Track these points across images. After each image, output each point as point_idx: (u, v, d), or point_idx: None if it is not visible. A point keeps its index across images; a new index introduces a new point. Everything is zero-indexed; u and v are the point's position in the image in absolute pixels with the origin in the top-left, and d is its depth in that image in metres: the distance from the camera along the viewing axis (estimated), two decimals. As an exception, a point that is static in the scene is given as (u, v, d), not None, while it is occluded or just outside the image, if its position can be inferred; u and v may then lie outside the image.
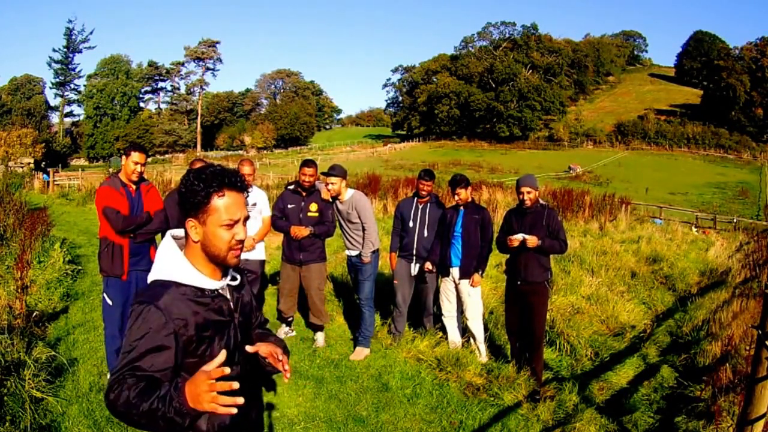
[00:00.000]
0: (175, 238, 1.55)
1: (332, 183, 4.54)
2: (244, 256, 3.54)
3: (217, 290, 1.51)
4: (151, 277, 1.49)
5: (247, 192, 1.55)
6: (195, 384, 1.24)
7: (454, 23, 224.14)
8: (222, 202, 1.45)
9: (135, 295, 1.50)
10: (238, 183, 1.48)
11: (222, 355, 1.28)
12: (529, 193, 4.08)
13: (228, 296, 1.55)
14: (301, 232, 4.55)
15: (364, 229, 4.64)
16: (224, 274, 1.54)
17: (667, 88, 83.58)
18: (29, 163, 35.24)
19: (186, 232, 1.50)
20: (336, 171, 4.54)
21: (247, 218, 1.53)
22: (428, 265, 4.72)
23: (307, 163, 4.70)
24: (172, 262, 1.48)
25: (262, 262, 4.87)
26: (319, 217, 4.65)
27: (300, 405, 3.76)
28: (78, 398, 3.56)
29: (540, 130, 73.30)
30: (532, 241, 3.97)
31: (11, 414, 3.13)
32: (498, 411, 3.78)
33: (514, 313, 4.27)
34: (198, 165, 4.27)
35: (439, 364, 4.39)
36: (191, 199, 1.44)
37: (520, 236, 4.02)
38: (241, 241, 1.50)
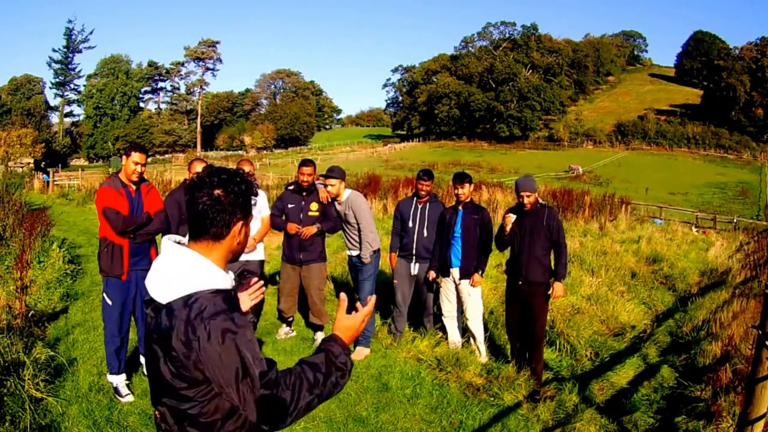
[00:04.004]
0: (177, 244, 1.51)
1: (331, 185, 4.56)
2: (244, 257, 3.53)
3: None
4: (187, 289, 1.35)
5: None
6: (351, 322, 1.48)
7: (454, 23, 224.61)
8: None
9: (206, 311, 1.31)
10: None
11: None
12: (528, 196, 4.07)
13: None
14: (309, 230, 4.55)
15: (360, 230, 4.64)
16: None
17: (667, 88, 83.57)
18: (29, 163, 35.29)
19: (216, 237, 1.41)
20: (335, 173, 4.57)
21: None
22: (432, 274, 4.73)
23: (305, 162, 4.73)
24: (208, 270, 1.40)
25: (262, 263, 4.87)
26: (321, 216, 4.66)
27: (300, 405, 3.74)
28: (78, 398, 3.56)
29: (540, 130, 73.28)
30: None
31: (11, 414, 3.13)
32: (498, 411, 3.77)
33: (515, 313, 4.27)
34: (198, 165, 4.30)
35: (439, 364, 4.39)
36: (250, 200, 1.45)
37: (512, 217, 4.13)
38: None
